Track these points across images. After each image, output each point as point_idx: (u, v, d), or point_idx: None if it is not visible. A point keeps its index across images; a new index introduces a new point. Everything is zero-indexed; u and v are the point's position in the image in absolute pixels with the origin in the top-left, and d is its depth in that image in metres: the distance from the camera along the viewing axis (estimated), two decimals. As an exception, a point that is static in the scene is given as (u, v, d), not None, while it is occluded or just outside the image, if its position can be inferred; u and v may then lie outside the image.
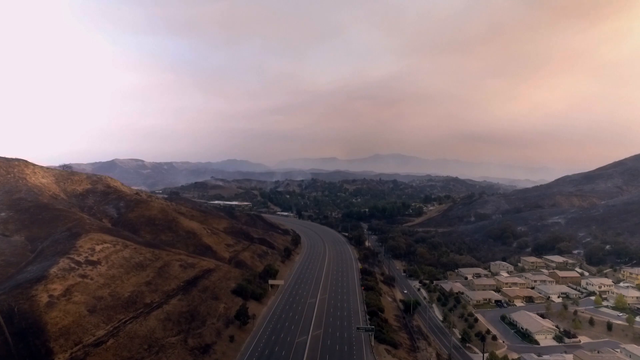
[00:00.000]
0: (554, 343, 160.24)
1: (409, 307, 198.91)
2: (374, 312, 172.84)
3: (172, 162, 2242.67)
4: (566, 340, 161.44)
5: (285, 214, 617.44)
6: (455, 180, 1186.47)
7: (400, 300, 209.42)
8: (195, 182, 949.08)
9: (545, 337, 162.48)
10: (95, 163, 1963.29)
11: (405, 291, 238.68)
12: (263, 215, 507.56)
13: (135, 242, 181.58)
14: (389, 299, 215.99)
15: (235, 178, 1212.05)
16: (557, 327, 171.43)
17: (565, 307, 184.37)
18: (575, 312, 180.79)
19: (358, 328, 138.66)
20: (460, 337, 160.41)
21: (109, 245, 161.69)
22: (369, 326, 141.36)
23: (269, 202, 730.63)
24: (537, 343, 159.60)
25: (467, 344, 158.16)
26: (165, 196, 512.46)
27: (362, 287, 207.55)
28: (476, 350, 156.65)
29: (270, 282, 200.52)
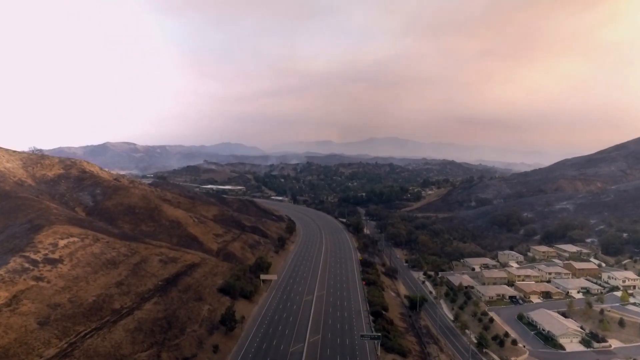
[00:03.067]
0: (582, 348, 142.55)
1: (415, 304, 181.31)
2: (378, 311, 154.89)
3: (165, 146, 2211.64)
4: (595, 344, 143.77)
5: (280, 198, 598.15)
6: (452, 163, 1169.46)
7: (405, 296, 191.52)
8: (187, 166, 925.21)
9: (571, 341, 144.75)
10: (87, 146, 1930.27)
11: (409, 284, 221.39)
12: (256, 200, 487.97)
13: (109, 235, 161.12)
14: (392, 294, 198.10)
15: (229, 162, 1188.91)
16: (582, 328, 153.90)
17: (589, 305, 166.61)
18: (602, 311, 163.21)
19: (362, 336, 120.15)
20: (476, 341, 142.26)
21: (75, 239, 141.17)
22: (374, 333, 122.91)
23: (263, 187, 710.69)
24: (563, 348, 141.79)
25: (484, 349, 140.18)
26: (151, 181, 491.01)
27: (364, 282, 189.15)
28: (494, 356, 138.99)
29: (262, 277, 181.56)
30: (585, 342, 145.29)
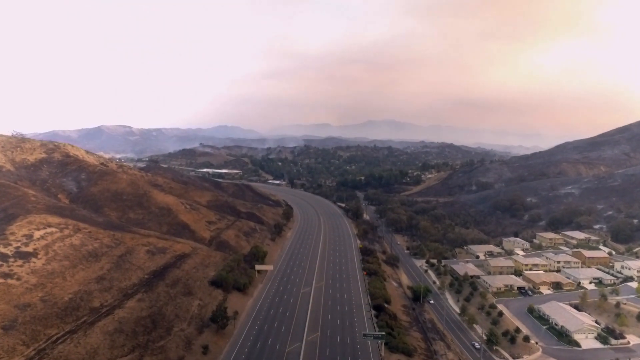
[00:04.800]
0: (598, 345, 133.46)
1: (418, 295, 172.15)
2: (380, 305, 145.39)
3: (161, 129, 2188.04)
4: (612, 341, 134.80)
5: (277, 182, 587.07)
6: (451, 146, 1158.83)
7: (408, 287, 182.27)
8: (183, 149, 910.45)
9: (586, 337, 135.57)
10: (82, 130, 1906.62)
11: (412, 273, 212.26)
12: (253, 184, 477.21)
13: (92, 224, 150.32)
14: (394, 284, 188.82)
15: (225, 145, 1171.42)
16: (597, 323, 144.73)
17: (604, 297, 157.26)
18: (618, 305, 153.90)
19: (365, 335, 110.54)
20: (485, 337, 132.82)
21: (53, 229, 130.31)
22: (377, 332, 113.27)
23: (260, 170, 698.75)
24: (578, 345, 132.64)
25: (494, 347, 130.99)
26: (143, 165, 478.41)
27: (364, 272, 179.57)
28: (505, 354, 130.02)
29: (258, 267, 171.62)
30: (601, 338, 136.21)
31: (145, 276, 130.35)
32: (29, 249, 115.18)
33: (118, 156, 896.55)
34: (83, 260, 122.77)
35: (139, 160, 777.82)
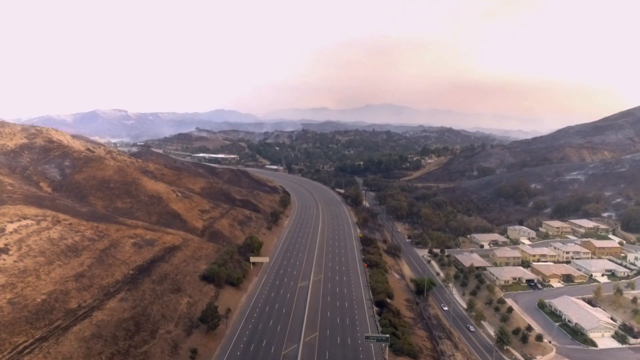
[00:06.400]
0: (616, 344, 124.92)
1: (422, 288, 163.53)
2: (382, 301, 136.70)
3: (158, 113, 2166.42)
4: (631, 340, 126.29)
5: (275, 167, 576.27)
6: (450, 131, 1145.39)
7: (411, 280, 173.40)
8: (179, 134, 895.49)
9: (603, 336, 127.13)
10: (76, 114, 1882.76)
11: (414, 263, 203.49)
12: (249, 170, 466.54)
13: (75, 215, 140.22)
14: (396, 276, 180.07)
15: (222, 129, 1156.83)
16: (612, 319, 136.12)
17: (619, 291, 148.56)
18: (635, 300, 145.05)
19: (367, 337, 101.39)
20: (495, 336, 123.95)
21: (29, 222, 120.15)
22: (381, 335, 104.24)
23: (257, 155, 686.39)
24: (594, 344, 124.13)
25: (505, 346, 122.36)
26: (135, 150, 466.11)
27: (365, 264, 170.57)
28: (516, 354, 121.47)
29: (252, 259, 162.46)
30: (619, 337, 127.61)
31: (130, 272, 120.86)
32: (0, 244, 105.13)
33: (114, 141, 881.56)
34: (61, 256, 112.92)
35: (134, 145, 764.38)
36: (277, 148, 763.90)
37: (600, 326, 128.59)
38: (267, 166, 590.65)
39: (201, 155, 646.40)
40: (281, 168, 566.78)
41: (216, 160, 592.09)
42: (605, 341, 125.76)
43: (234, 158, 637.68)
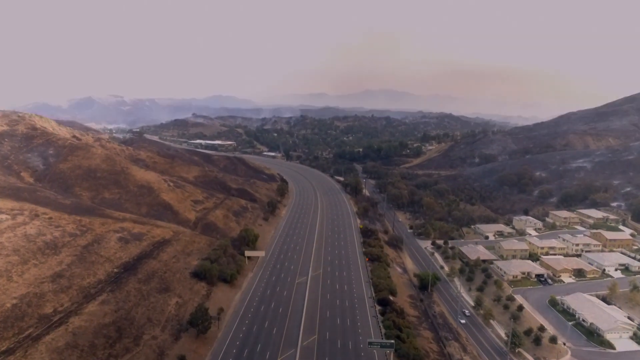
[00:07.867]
0: (635, 346, 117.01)
1: (425, 283, 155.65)
2: (385, 299, 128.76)
3: (155, 98, 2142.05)
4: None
5: (272, 154, 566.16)
6: (450, 117, 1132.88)
7: (415, 275, 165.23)
8: (175, 120, 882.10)
9: (620, 337, 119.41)
10: (72, 100, 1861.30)
11: (417, 256, 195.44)
12: (246, 157, 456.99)
13: (55, 208, 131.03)
14: (399, 270, 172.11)
15: (219, 115, 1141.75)
16: (629, 319, 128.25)
17: (635, 288, 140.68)
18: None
19: (370, 344, 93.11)
20: (507, 338, 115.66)
21: (4, 216, 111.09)
22: (385, 340, 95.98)
23: (255, 141, 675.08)
24: (612, 347, 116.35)
25: (517, 349, 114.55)
26: (126, 137, 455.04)
27: (367, 258, 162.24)
28: (528, 357, 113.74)
29: (247, 253, 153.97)
30: (637, 338, 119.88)
31: (114, 270, 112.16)
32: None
33: (110, 127, 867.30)
34: (37, 254, 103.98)
35: (130, 131, 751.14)
36: (275, 134, 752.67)
37: (617, 327, 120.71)
38: (264, 153, 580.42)
39: (198, 141, 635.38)
40: (279, 155, 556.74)
41: (213, 147, 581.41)
42: (623, 343, 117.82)
43: (231, 144, 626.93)
